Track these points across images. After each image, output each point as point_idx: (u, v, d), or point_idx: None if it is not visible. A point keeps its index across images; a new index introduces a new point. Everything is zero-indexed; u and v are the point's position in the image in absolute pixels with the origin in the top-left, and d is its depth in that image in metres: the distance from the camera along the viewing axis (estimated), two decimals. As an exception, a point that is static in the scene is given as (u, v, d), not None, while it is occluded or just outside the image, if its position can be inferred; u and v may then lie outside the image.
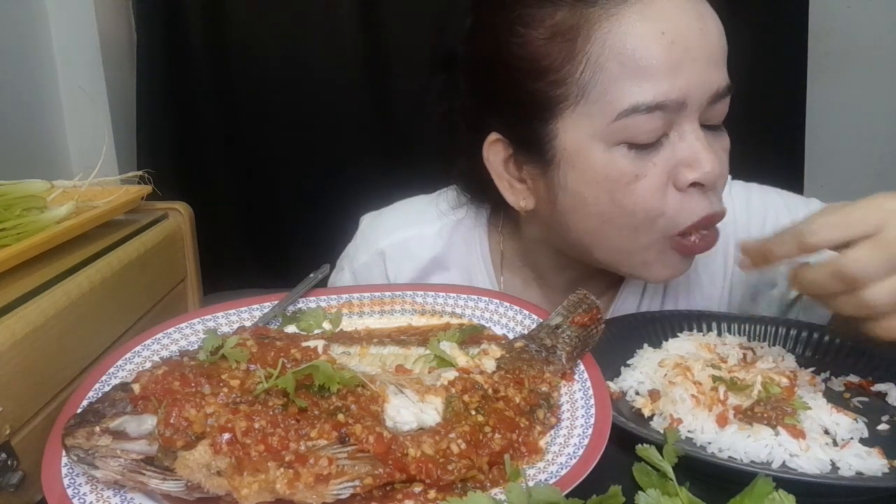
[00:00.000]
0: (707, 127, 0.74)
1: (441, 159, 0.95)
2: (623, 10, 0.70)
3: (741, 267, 0.71)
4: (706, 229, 0.76)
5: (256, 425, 0.55)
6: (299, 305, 0.82)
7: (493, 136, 0.80)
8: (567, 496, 0.53)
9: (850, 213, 0.61)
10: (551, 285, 0.94)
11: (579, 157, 0.73)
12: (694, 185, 0.73)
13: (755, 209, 0.91)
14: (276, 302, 0.81)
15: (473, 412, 0.61)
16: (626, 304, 0.93)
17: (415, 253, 0.94)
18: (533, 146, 0.77)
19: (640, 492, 0.54)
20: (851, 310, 0.62)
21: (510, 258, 0.95)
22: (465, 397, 0.62)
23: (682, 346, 0.78)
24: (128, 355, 0.70)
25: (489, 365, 0.67)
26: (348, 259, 1.01)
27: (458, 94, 0.86)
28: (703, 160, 0.71)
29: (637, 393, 0.72)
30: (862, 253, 0.59)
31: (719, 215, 0.76)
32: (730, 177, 0.87)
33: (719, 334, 0.83)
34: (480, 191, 0.91)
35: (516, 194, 0.82)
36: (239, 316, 0.79)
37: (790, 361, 0.77)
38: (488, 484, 0.57)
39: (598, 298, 0.87)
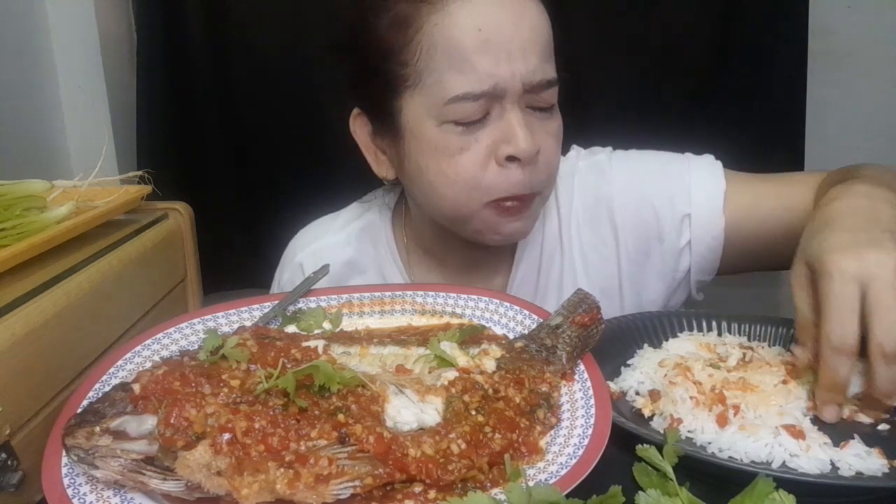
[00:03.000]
0: (537, 109, 0.84)
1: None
2: (449, 6, 0.79)
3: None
4: (521, 202, 0.84)
5: (257, 425, 0.55)
6: (299, 305, 0.82)
7: (356, 110, 0.92)
8: (567, 496, 0.53)
9: (828, 302, 0.62)
10: (448, 267, 1.00)
11: (418, 130, 0.84)
12: (511, 159, 0.81)
13: (631, 175, 0.97)
14: (276, 302, 0.81)
15: (474, 412, 0.61)
16: (523, 282, 0.98)
17: (327, 258, 0.99)
18: (386, 120, 0.87)
19: (640, 492, 0.54)
20: None
21: (413, 249, 1.02)
22: (466, 397, 0.62)
23: (682, 346, 0.78)
24: (128, 355, 0.70)
25: (489, 365, 0.67)
26: (275, 281, 1.09)
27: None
28: (518, 137, 0.80)
29: (637, 393, 0.72)
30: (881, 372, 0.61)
31: (532, 196, 0.85)
32: (611, 148, 1.01)
33: (719, 334, 0.83)
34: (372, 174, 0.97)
35: (380, 164, 0.93)
36: (239, 316, 0.79)
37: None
38: (488, 484, 0.57)
39: (492, 278, 0.97)
